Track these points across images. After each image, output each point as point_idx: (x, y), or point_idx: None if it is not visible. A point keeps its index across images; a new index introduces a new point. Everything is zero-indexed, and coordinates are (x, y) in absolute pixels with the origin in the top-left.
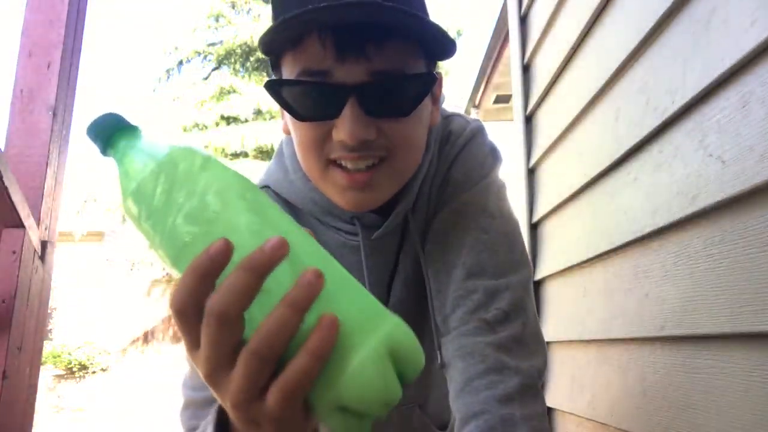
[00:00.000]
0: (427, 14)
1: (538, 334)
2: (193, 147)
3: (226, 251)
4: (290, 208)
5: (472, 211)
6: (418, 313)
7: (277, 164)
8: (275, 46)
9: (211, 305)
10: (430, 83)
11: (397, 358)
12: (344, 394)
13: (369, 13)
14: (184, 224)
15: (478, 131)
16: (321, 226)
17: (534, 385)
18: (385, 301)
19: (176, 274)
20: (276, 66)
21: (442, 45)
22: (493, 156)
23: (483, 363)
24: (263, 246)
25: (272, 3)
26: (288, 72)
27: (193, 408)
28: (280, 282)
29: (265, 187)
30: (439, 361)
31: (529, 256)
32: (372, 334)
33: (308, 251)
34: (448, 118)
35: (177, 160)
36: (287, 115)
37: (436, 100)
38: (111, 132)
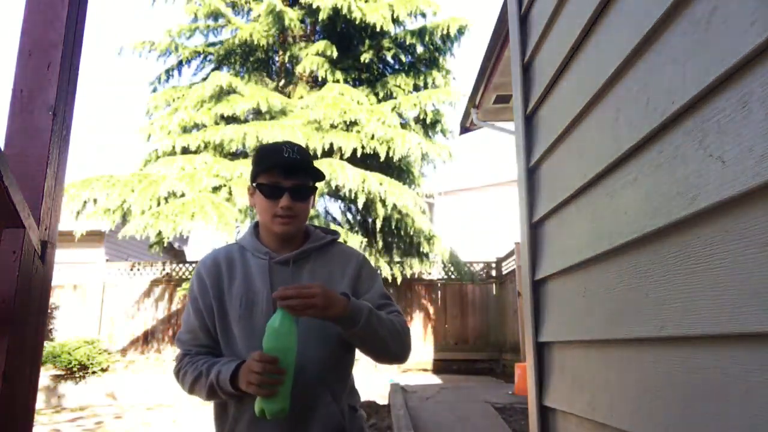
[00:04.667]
0: (312, 159)
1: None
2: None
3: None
4: (242, 249)
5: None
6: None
7: (247, 232)
8: (260, 168)
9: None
10: (314, 189)
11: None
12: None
13: (295, 162)
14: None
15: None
16: (253, 257)
17: (408, 331)
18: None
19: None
20: (256, 175)
21: (319, 176)
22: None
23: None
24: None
25: (255, 154)
26: (262, 178)
27: (188, 357)
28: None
29: (235, 243)
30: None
31: (529, 256)
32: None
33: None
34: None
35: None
36: (258, 195)
37: (313, 200)
38: None
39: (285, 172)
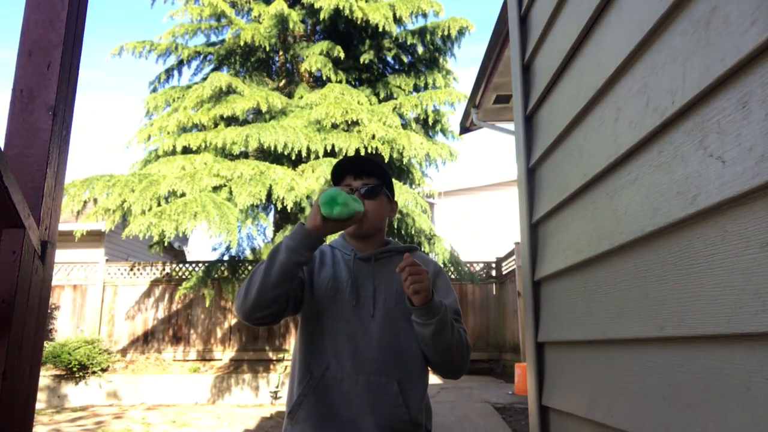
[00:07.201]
0: (386, 171)
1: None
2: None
3: None
4: (333, 248)
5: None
6: (398, 312)
7: (339, 236)
8: (335, 179)
9: None
10: (382, 189)
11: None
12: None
13: (363, 163)
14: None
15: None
16: (340, 253)
17: (470, 350)
18: (373, 300)
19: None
20: (337, 182)
21: (390, 181)
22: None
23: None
24: None
25: (332, 171)
26: (340, 184)
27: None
28: None
29: (328, 244)
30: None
31: (529, 256)
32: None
33: None
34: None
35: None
36: None
37: (393, 209)
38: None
39: (354, 174)
